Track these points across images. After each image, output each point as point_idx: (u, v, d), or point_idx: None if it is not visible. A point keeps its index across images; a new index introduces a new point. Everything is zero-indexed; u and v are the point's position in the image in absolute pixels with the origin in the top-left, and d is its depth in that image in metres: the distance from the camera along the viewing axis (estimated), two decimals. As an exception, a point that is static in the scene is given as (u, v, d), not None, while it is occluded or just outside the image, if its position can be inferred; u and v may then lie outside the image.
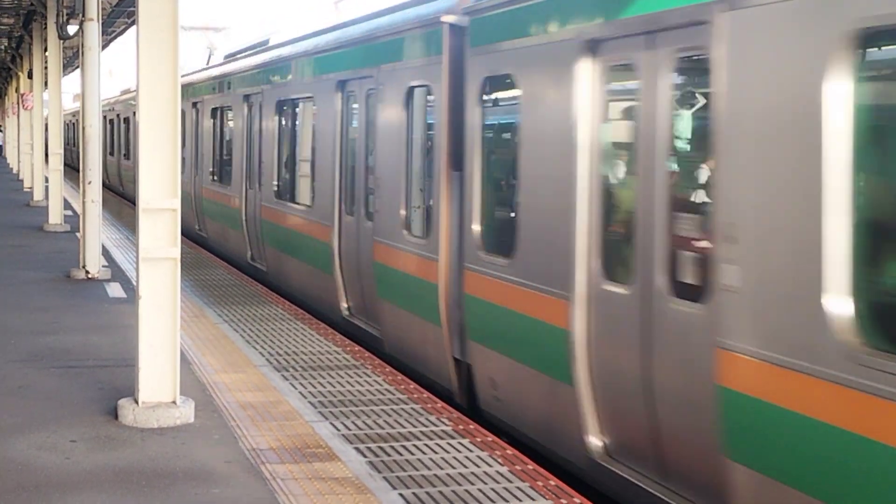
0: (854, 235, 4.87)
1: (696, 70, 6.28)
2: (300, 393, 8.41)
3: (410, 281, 9.70)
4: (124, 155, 31.70)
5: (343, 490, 6.18)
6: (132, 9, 24.45)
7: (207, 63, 27.38)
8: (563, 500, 6.15)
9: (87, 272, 14.19)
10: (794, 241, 5.13)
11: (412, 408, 8.07)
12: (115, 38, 33.44)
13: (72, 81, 50.26)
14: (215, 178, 18.87)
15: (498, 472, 6.59)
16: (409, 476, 6.48)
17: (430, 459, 6.82)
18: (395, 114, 10.13)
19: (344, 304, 11.70)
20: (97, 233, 14.34)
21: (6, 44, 37.51)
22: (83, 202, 14.55)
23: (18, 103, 34.47)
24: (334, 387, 8.67)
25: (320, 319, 11.74)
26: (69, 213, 22.06)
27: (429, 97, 9.63)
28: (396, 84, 10.09)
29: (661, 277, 6.22)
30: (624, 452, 6.79)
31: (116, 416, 7.47)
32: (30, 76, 28.97)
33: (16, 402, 7.97)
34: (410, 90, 9.86)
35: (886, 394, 4.56)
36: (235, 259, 16.80)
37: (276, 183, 14.66)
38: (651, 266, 6.31)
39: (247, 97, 16.42)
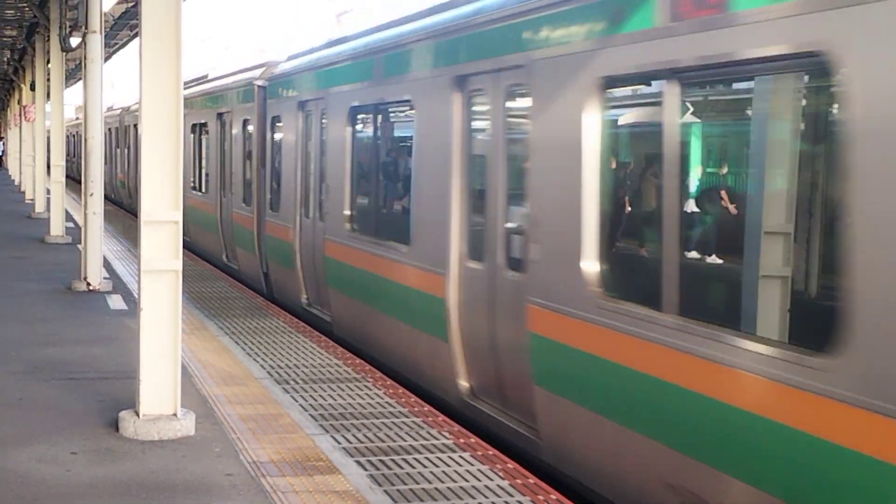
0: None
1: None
2: (301, 406, 8.40)
3: (245, 231, 16.64)
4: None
5: (344, 503, 6.17)
6: (135, 21, 24.54)
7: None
8: (564, 515, 6.15)
9: (89, 284, 14.19)
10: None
11: (413, 421, 8.06)
12: (118, 50, 33.55)
13: (74, 93, 50.32)
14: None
15: (499, 485, 6.58)
16: (410, 489, 6.48)
17: (431, 473, 6.81)
18: (239, 135, 17.12)
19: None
20: (98, 244, 14.34)
21: (9, 55, 37.58)
22: (85, 214, 14.57)
23: (20, 115, 34.52)
24: (335, 400, 8.66)
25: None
26: (70, 224, 22.07)
27: (252, 127, 16.41)
28: (239, 118, 17.08)
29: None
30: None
31: (117, 429, 7.47)
32: (32, 88, 29.03)
33: (16, 414, 7.97)
34: (244, 121, 16.77)
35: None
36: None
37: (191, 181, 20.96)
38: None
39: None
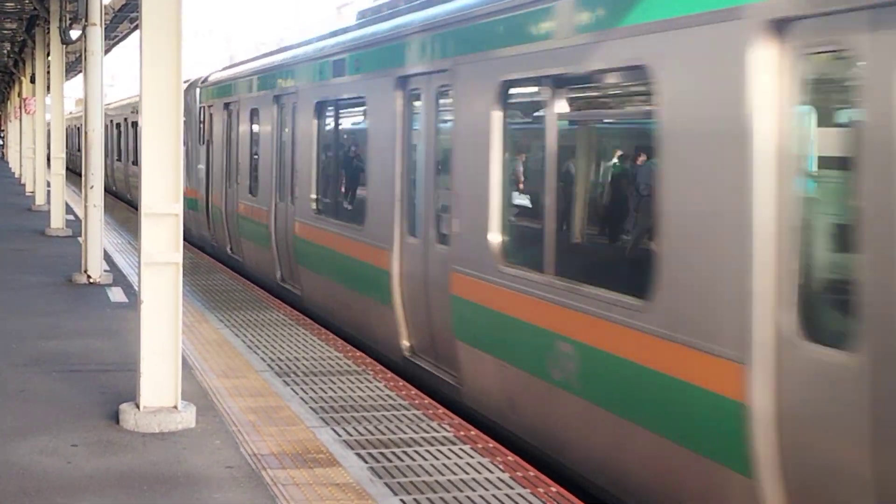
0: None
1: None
2: (301, 398, 8.41)
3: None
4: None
5: (344, 496, 6.18)
6: (135, 14, 24.52)
7: None
8: (564, 507, 6.15)
9: (89, 277, 14.20)
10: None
11: (413, 413, 8.07)
12: (118, 42, 33.50)
13: (74, 86, 50.31)
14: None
15: (499, 478, 6.59)
16: (411, 482, 6.49)
17: (432, 465, 6.82)
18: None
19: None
20: (99, 237, 14.35)
21: (9, 48, 37.54)
22: (85, 206, 14.57)
23: (21, 107, 34.49)
24: (335, 392, 8.67)
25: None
26: (71, 217, 22.07)
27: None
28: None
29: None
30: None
31: (118, 421, 7.48)
32: (32, 80, 29.01)
33: (17, 406, 7.98)
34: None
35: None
36: None
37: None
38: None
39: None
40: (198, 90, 20.72)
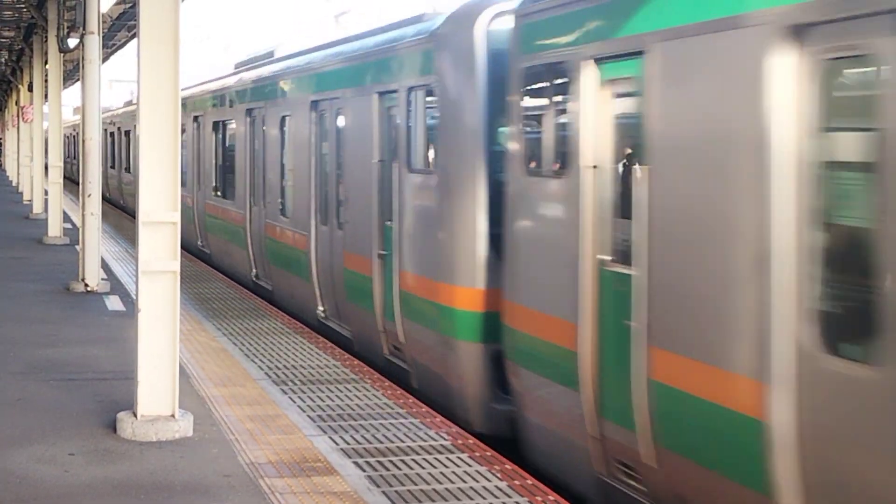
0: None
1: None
2: (299, 407, 8.41)
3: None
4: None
5: (342, 504, 6.19)
6: (133, 22, 24.54)
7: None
8: (561, 516, 6.15)
9: (87, 285, 14.19)
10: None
11: (411, 422, 8.07)
12: (116, 50, 33.52)
13: (72, 94, 50.31)
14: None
15: (497, 486, 6.59)
16: (408, 490, 6.48)
17: (429, 474, 6.82)
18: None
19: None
20: (96, 245, 14.34)
21: (6, 56, 37.57)
22: (83, 215, 14.57)
23: (18, 116, 34.50)
24: (333, 401, 8.67)
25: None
26: (68, 225, 22.07)
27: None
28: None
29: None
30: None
31: (115, 430, 7.47)
32: (30, 89, 29.03)
33: (14, 415, 7.97)
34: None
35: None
36: None
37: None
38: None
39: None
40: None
